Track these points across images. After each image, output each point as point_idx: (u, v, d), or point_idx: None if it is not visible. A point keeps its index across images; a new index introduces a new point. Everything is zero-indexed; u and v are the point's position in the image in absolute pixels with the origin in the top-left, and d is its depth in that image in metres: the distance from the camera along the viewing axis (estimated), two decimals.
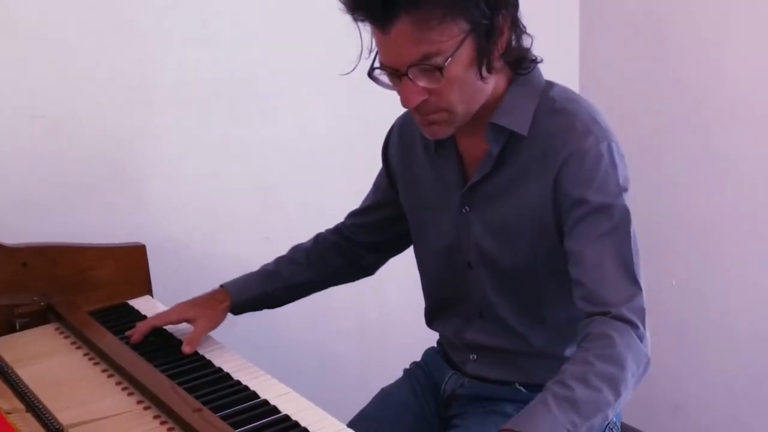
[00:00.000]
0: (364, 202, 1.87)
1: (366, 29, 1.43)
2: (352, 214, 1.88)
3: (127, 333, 1.74)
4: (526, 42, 1.49)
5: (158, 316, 1.77)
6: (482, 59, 1.41)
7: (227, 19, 2.26)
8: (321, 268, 1.86)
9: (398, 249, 1.87)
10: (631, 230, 1.45)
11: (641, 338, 1.38)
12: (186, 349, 1.67)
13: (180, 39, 2.20)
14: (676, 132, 2.65)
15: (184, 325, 1.77)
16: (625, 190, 1.47)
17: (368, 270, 1.91)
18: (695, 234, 2.65)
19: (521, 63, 1.50)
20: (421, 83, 1.41)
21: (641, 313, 1.40)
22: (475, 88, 1.44)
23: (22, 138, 2.03)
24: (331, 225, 1.92)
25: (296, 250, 1.88)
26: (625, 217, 1.45)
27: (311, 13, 2.37)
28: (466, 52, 1.39)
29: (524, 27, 1.48)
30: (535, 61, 1.52)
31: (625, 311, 1.39)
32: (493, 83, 1.48)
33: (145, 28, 2.15)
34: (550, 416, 1.27)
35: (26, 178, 2.05)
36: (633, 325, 1.38)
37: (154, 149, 2.21)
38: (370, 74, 1.46)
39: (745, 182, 2.51)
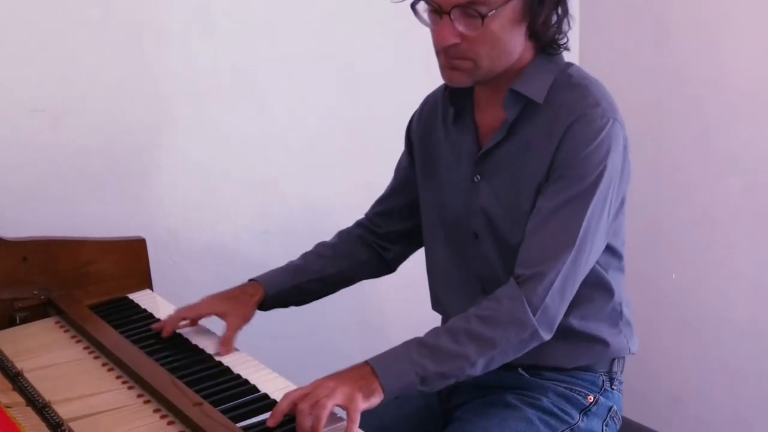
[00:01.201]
0: (385, 190, 1.88)
1: None
2: (375, 204, 1.89)
3: (155, 326, 1.73)
4: (564, 27, 1.55)
5: (189, 308, 1.75)
6: (522, 23, 1.48)
7: (227, 12, 2.26)
8: (347, 260, 1.86)
9: (421, 240, 1.85)
10: (590, 209, 1.48)
11: (535, 309, 1.45)
12: (223, 350, 1.65)
13: (180, 32, 2.19)
14: (676, 125, 2.65)
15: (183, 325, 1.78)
16: (606, 169, 1.50)
17: (391, 264, 1.91)
18: (695, 228, 2.65)
19: (552, 43, 1.55)
20: (460, 27, 1.46)
21: (548, 281, 1.46)
22: (506, 48, 1.50)
23: (22, 132, 2.03)
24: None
25: (321, 245, 1.88)
26: (590, 194, 1.48)
27: (311, 6, 2.37)
28: (512, 10, 1.46)
29: (567, 11, 1.54)
30: (563, 46, 1.57)
31: (532, 276, 1.46)
32: (521, 49, 1.53)
33: (145, 21, 2.15)
34: (406, 358, 1.42)
35: (26, 173, 2.05)
36: (531, 291, 1.46)
37: (153, 143, 2.21)
38: (413, 5, 1.50)
39: (745, 175, 2.50)
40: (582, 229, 1.48)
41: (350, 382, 1.38)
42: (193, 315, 1.74)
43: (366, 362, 1.42)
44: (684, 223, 2.68)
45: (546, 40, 1.54)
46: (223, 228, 2.34)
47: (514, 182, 1.57)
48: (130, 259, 1.96)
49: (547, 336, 1.48)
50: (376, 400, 1.38)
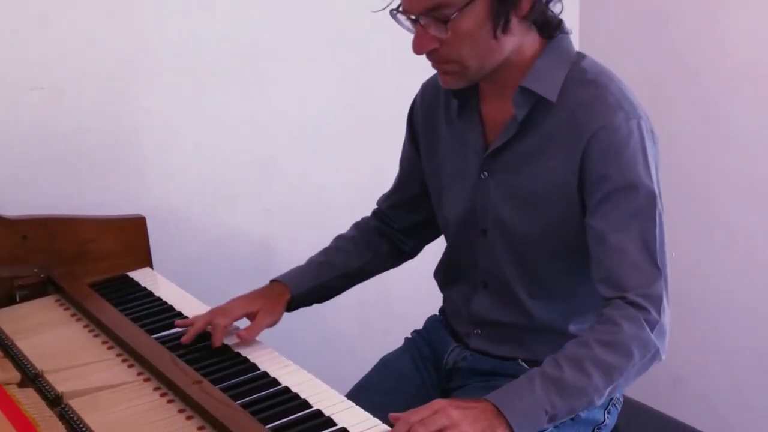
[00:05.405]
0: (393, 182, 1.83)
1: None
2: (386, 197, 1.84)
3: (177, 323, 1.66)
4: (556, 8, 1.48)
5: (222, 316, 1.62)
6: (498, 19, 1.40)
7: None
8: (368, 253, 1.81)
9: (436, 231, 1.79)
10: (657, 213, 1.44)
11: (653, 327, 1.39)
12: (243, 334, 1.60)
13: (180, 9, 2.18)
14: (675, 103, 2.64)
15: (183, 303, 1.77)
16: (654, 170, 1.46)
17: (411, 253, 1.86)
18: (695, 206, 2.65)
19: (546, 28, 1.49)
20: (432, 32, 1.41)
21: (658, 300, 1.41)
22: (488, 46, 1.43)
23: (22, 110, 2.02)
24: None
25: (340, 239, 1.83)
26: (651, 199, 1.44)
27: None
28: (480, 8, 1.39)
29: None
30: (560, 28, 1.50)
31: (640, 298, 1.40)
32: (512, 44, 1.45)
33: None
34: (530, 395, 1.31)
35: (26, 151, 2.04)
36: (646, 312, 1.39)
37: (154, 121, 2.20)
38: (393, 14, 1.46)
39: (744, 153, 2.49)
40: (657, 239, 1.44)
41: (473, 422, 1.27)
42: (230, 323, 1.63)
43: (487, 400, 1.32)
44: (683, 201, 2.67)
45: (540, 28, 1.48)
46: (223, 207, 2.34)
47: (527, 182, 1.52)
48: (130, 237, 1.96)
49: (664, 356, 1.43)
50: None
